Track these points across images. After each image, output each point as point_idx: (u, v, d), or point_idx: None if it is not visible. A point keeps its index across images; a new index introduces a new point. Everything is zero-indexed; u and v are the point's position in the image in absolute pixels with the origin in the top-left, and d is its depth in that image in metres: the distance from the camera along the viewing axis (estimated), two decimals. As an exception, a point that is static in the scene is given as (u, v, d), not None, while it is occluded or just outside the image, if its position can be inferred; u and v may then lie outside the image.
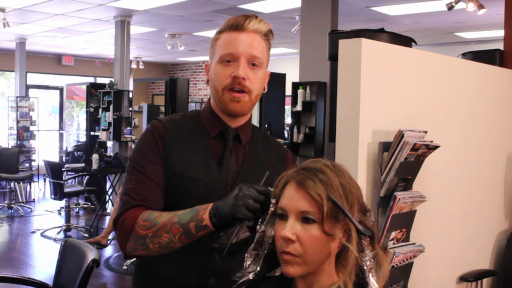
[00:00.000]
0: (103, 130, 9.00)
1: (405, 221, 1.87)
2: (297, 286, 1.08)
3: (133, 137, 8.50)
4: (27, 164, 10.25)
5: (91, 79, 12.55)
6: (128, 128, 8.66)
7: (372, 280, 1.02)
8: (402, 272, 1.87)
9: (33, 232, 6.77)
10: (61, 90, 13.07)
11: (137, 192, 1.33)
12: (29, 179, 9.06)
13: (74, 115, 12.06)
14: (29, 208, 8.30)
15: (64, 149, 11.12)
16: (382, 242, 1.79)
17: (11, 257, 5.60)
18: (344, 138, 1.81)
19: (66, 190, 6.53)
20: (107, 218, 7.30)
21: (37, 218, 7.69)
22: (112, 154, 7.72)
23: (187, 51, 11.64)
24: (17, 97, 10.93)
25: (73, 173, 7.96)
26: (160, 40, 10.53)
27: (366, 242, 1.02)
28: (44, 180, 9.51)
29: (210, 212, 1.19)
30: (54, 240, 6.36)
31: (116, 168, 6.88)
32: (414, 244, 1.90)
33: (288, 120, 8.78)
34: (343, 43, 1.82)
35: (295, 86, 6.07)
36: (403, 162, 1.77)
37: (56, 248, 5.44)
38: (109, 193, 7.18)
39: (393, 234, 1.82)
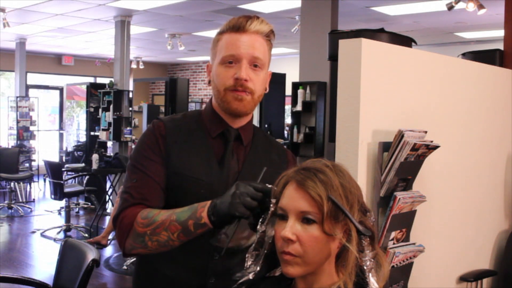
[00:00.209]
0: (103, 130, 9.00)
1: (405, 221, 1.87)
2: (297, 286, 1.08)
3: (133, 137, 8.51)
4: (27, 164, 10.25)
5: (91, 79, 12.55)
6: (128, 128, 8.66)
7: (372, 280, 1.02)
8: (402, 272, 1.87)
9: (33, 232, 6.77)
10: (61, 90, 13.07)
11: (137, 190, 1.33)
12: (29, 179, 9.07)
13: (74, 115, 12.06)
14: (29, 208, 8.30)
15: (64, 149, 11.12)
16: (382, 242, 1.79)
17: (11, 257, 5.60)
18: (344, 138, 1.81)
19: (66, 190, 6.53)
20: (107, 218, 7.31)
21: (37, 218, 7.69)
22: (112, 154, 7.72)
23: (187, 51, 11.64)
24: (17, 97, 10.93)
25: (73, 173, 7.96)
26: (160, 40, 10.53)
27: (366, 242, 1.02)
28: (44, 180, 9.51)
29: (208, 210, 1.19)
30: (54, 240, 6.36)
31: (116, 168, 6.88)
32: (414, 244, 1.90)
33: (288, 120, 8.78)
34: (343, 43, 1.82)
35: (295, 86, 6.07)
36: (403, 162, 1.77)
37: (56, 248, 5.44)
38: (109, 193, 7.18)
39: (393, 234, 1.82)
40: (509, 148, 2.77)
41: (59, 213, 7.85)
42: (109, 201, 7.39)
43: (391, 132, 1.80)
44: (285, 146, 1.60)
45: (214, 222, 1.19)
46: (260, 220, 1.12)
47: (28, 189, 9.34)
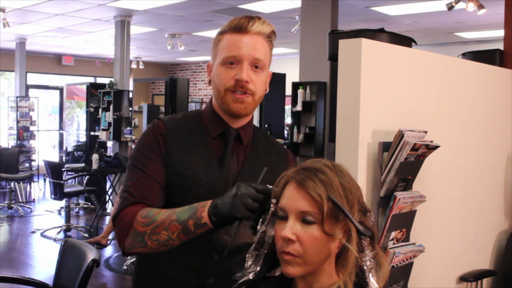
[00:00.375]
0: (103, 130, 9.00)
1: (405, 221, 1.87)
2: (297, 286, 1.08)
3: (133, 137, 8.51)
4: (27, 164, 10.25)
5: (91, 79, 12.55)
6: (128, 128, 8.66)
7: (372, 280, 1.02)
8: (402, 272, 1.87)
9: (33, 232, 6.77)
10: (61, 90, 13.08)
11: (137, 189, 1.34)
12: (29, 179, 9.07)
13: (74, 115, 12.06)
14: (29, 208, 8.30)
15: (64, 149, 11.12)
16: (382, 242, 1.79)
17: (11, 257, 5.60)
18: (344, 138, 1.81)
19: (66, 190, 6.53)
20: (107, 218, 7.31)
21: (37, 218, 7.69)
22: (112, 154, 7.72)
23: (187, 51, 11.64)
24: (17, 97, 10.93)
25: (73, 173, 7.96)
26: (160, 40, 10.53)
27: (366, 242, 1.02)
28: (44, 180, 9.51)
29: (209, 210, 1.19)
30: (54, 240, 6.36)
31: (116, 168, 6.88)
32: (414, 244, 1.90)
33: (288, 120, 8.78)
34: (343, 43, 1.82)
35: (295, 86, 6.07)
36: (403, 162, 1.77)
37: (56, 248, 5.44)
38: (109, 193, 7.18)
39: (393, 234, 1.82)
40: (509, 148, 2.77)
41: (59, 213, 7.85)
42: (109, 201, 7.39)
43: (391, 132, 1.80)
44: (285, 146, 1.59)
45: (214, 223, 1.19)
46: (260, 220, 1.12)
47: (28, 189, 9.34)
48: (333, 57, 3.15)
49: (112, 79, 9.09)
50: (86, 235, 6.56)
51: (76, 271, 2.21)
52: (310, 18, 6.08)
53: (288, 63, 10.04)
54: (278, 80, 7.26)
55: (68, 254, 2.40)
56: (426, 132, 1.86)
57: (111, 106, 8.71)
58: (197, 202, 1.25)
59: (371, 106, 1.82)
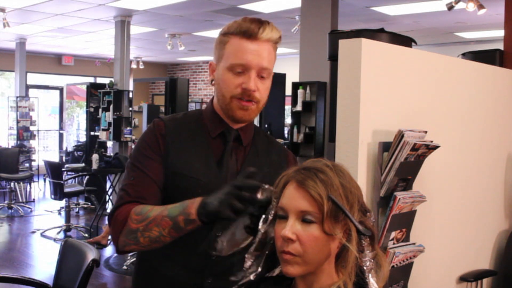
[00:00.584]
0: (103, 130, 9.00)
1: (405, 221, 1.88)
2: (297, 286, 1.08)
3: (133, 137, 8.51)
4: (27, 164, 10.24)
5: (91, 79, 12.55)
6: (128, 128, 8.66)
7: (372, 281, 1.02)
8: (402, 272, 1.87)
9: (33, 232, 6.77)
10: (61, 90, 13.08)
11: (134, 188, 1.34)
12: (29, 179, 9.06)
13: (74, 115, 12.06)
14: (29, 208, 8.30)
15: (64, 149, 11.12)
16: (382, 242, 1.79)
17: (11, 257, 5.60)
18: (344, 138, 1.81)
19: (66, 190, 6.53)
20: (107, 218, 7.30)
21: (37, 218, 7.69)
22: (112, 154, 7.71)
23: (187, 51, 11.64)
24: (17, 97, 10.93)
25: (73, 173, 7.96)
26: (160, 40, 10.53)
27: (366, 242, 1.02)
28: (44, 180, 9.50)
29: (198, 207, 1.19)
30: (54, 240, 6.36)
31: (116, 168, 6.88)
32: (414, 244, 1.90)
33: (288, 120, 8.77)
34: (343, 43, 1.82)
35: (295, 86, 6.07)
36: (403, 162, 1.77)
37: (56, 248, 5.44)
38: (109, 193, 7.18)
39: (393, 234, 1.82)
40: (509, 148, 2.76)
41: (59, 213, 7.85)
42: (109, 201, 7.39)
43: (391, 132, 1.80)
44: (286, 147, 1.59)
45: (203, 220, 1.19)
46: (261, 220, 1.12)
47: (28, 189, 9.34)
48: (333, 57, 3.15)
49: (112, 79, 9.09)
50: (86, 235, 6.56)
51: (76, 271, 2.21)
52: (310, 18, 6.08)
53: (288, 63, 10.04)
54: (278, 80, 7.24)
55: (68, 254, 2.40)
56: (426, 132, 1.86)
57: (111, 106, 8.71)
58: None
59: (371, 106, 1.82)
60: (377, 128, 1.84)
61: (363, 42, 1.76)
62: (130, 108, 8.81)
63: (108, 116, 8.81)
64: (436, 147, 1.84)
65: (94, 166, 6.84)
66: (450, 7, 5.78)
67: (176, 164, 1.36)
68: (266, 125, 7.30)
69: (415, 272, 1.94)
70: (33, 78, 12.82)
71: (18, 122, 10.73)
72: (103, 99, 9.00)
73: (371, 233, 1.03)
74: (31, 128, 10.94)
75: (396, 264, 1.80)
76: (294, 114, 6.15)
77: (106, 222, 7.14)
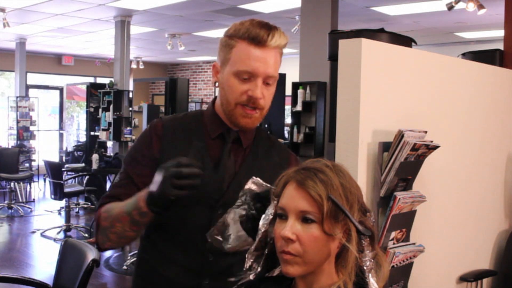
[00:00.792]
0: (103, 130, 9.00)
1: (405, 221, 1.88)
2: (297, 286, 1.08)
3: (133, 137, 8.51)
4: (27, 164, 10.25)
5: (91, 79, 12.55)
6: (128, 128, 8.66)
7: (372, 281, 1.02)
8: (402, 272, 1.87)
9: (33, 232, 6.77)
10: (61, 90, 13.08)
11: (116, 190, 1.38)
12: (29, 179, 9.07)
13: (74, 115, 12.06)
14: (29, 208, 8.30)
15: (64, 149, 11.12)
16: (382, 242, 1.79)
17: (11, 257, 5.60)
18: (344, 138, 1.81)
19: (66, 190, 6.53)
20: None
21: (37, 218, 7.69)
22: (112, 154, 7.72)
23: (187, 51, 11.64)
24: (17, 97, 10.93)
25: (73, 173, 7.96)
26: (160, 40, 10.53)
27: (366, 242, 1.02)
28: (44, 180, 9.51)
29: (146, 200, 1.22)
30: (54, 240, 6.36)
31: (116, 168, 6.88)
32: (414, 244, 1.90)
33: (288, 120, 8.77)
34: (343, 43, 1.82)
35: (295, 86, 6.07)
36: (403, 162, 1.77)
37: (56, 248, 5.44)
38: (109, 193, 7.17)
39: (393, 234, 1.82)
40: (509, 148, 2.77)
41: (59, 213, 7.85)
42: (109, 201, 7.38)
43: (391, 132, 1.80)
44: (289, 149, 1.58)
45: (154, 210, 1.21)
46: (261, 220, 1.12)
47: (28, 189, 9.34)
48: (333, 57, 3.15)
49: (112, 79, 9.09)
50: (86, 235, 6.56)
51: (76, 271, 2.21)
52: (310, 18, 6.08)
53: (288, 63, 10.03)
54: (278, 80, 7.24)
55: (68, 254, 2.41)
56: (426, 132, 1.86)
57: (111, 106, 8.71)
58: (190, 202, 1.28)
59: (371, 106, 1.82)
60: (377, 128, 1.84)
61: (363, 42, 1.76)
62: (130, 108, 8.81)
63: (108, 116, 8.82)
64: (436, 147, 1.84)
65: (94, 166, 6.85)
66: (450, 7, 5.78)
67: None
68: (266, 125, 7.30)
69: (415, 272, 1.94)
70: (33, 78, 12.83)
71: (18, 122, 10.73)
72: (103, 99, 9.01)
73: (371, 233, 1.03)
74: (31, 128, 10.95)
75: (396, 264, 1.80)
76: (294, 114, 6.15)
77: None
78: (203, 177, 1.34)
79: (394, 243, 1.84)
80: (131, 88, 9.42)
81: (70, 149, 10.38)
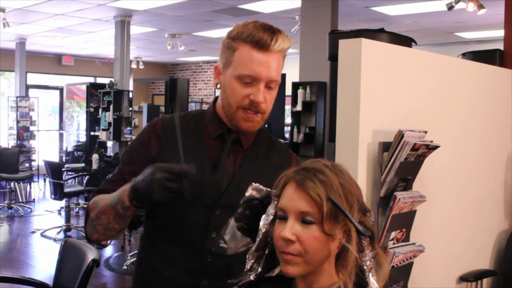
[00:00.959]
0: (103, 130, 9.00)
1: (405, 221, 1.88)
2: (297, 286, 1.08)
3: (133, 137, 8.50)
4: (27, 164, 10.25)
5: (91, 79, 12.55)
6: (128, 128, 8.67)
7: (372, 280, 1.02)
8: (402, 272, 1.87)
9: (33, 232, 6.77)
10: (61, 90, 13.08)
11: (108, 186, 1.40)
12: (29, 179, 9.07)
13: (74, 115, 12.06)
14: (29, 208, 8.30)
15: (64, 149, 11.12)
16: (382, 242, 1.79)
17: (11, 257, 5.60)
18: (344, 138, 1.81)
19: (66, 190, 6.53)
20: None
21: (37, 218, 7.69)
22: (112, 154, 7.72)
23: (187, 51, 11.64)
24: (17, 97, 10.93)
25: (73, 173, 7.96)
26: (160, 40, 10.53)
27: (366, 242, 1.02)
28: (44, 180, 9.51)
29: (129, 195, 1.23)
30: (54, 240, 6.36)
31: (116, 168, 6.87)
32: (414, 244, 1.90)
33: (288, 120, 8.77)
34: (343, 43, 1.82)
35: (295, 86, 6.07)
36: (403, 162, 1.77)
37: (56, 248, 5.44)
38: (109, 193, 7.17)
39: (393, 234, 1.82)
40: (509, 148, 2.77)
41: (59, 213, 7.85)
42: (109, 201, 7.39)
43: (391, 132, 1.80)
44: (290, 150, 1.58)
45: (136, 206, 1.23)
46: (262, 220, 1.12)
47: (28, 189, 9.34)
48: (333, 57, 3.15)
49: (112, 79, 9.09)
50: (86, 235, 6.55)
51: (76, 271, 2.21)
52: (310, 18, 6.08)
53: (288, 63, 10.00)
54: (278, 80, 7.23)
55: (68, 254, 2.41)
56: (426, 132, 1.86)
57: (111, 106, 8.71)
58: (186, 202, 1.27)
59: (371, 106, 1.82)
60: (377, 128, 1.84)
61: (363, 42, 1.76)
62: (130, 108, 8.81)
63: (108, 116, 8.82)
64: (436, 147, 1.84)
65: (94, 166, 6.85)
66: (450, 7, 5.78)
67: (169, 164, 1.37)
68: (266, 125, 7.30)
69: (415, 272, 1.94)
70: (33, 78, 12.83)
71: (18, 122, 10.73)
72: (103, 99, 9.01)
73: (371, 233, 1.03)
74: (31, 128, 10.95)
75: (396, 264, 1.80)
76: (294, 114, 6.15)
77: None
78: (201, 178, 1.35)
79: (394, 243, 1.84)
80: (131, 88, 9.42)
81: (70, 149, 10.39)
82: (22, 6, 7.74)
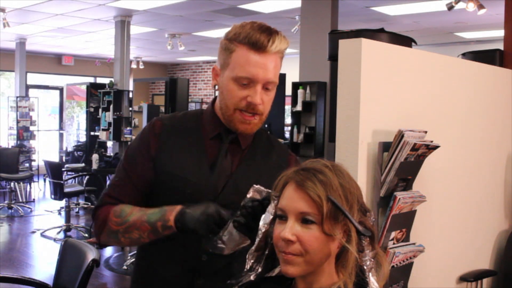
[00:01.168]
0: (103, 130, 9.00)
1: (405, 221, 1.88)
2: (297, 286, 1.08)
3: (133, 137, 8.48)
4: (27, 164, 10.24)
5: (91, 79, 12.55)
6: (128, 128, 8.66)
7: (372, 280, 1.02)
8: (402, 272, 1.87)
9: (33, 232, 6.77)
10: (61, 90, 13.08)
11: (116, 190, 1.39)
12: (29, 179, 9.06)
13: (74, 115, 12.06)
14: (29, 208, 8.30)
15: (64, 149, 11.12)
16: (382, 242, 1.79)
17: (11, 257, 5.60)
18: (344, 138, 1.81)
19: (66, 190, 6.53)
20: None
21: (37, 218, 7.69)
22: (112, 154, 7.72)
23: (187, 51, 11.64)
24: (17, 97, 10.93)
25: (73, 173, 7.96)
26: (160, 40, 10.53)
27: (366, 242, 1.02)
28: (44, 180, 9.51)
29: (176, 215, 1.24)
30: (54, 240, 6.36)
31: (116, 168, 6.87)
32: (414, 244, 1.90)
33: (288, 120, 8.77)
34: (343, 43, 1.82)
35: (295, 86, 6.07)
36: (403, 162, 1.77)
37: (56, 248, 5.44)
38: (109, 193, 7.16)
39: (393, 234, 1.82)
40: (509, 148, 2.77)
41: (59, 213, 7.85)
42: (109, 201, 7.38)
43: (391, 132, 1.80)
44: (289, 150, 1.57)
45: (178, 228, 1.24)
46: (261, 220, 1.12)
47: (28, 189, 9.34)
48: (333, 57, 3.15)
49: (112, 79, 9.09)
50: (86, 235, 6.56)
51: (76, 271, 2.21)
52: (310, 18, 6.08)
53: (288, 63, 10.03)
54: (278, 80, 7.24)
55: (68, 254, 2.41)
56: (426, 132, 1.86)
57: (111, 106, 8.71)
58: (184, 201, 1.28)
59: (371, 106, 1.82)
60: (377, 128, 1.84)
61: (363, 42, 1.76)
62: (130, 108, 8.81)
63: (108, 116, 8.82)
64: (436, 147, 1.84)
65: (94, 166, 6.84)
66: (450, 7, 5.78)
67: (167, 163, 1.37)
68: (266, 125, 7.31)
69: (415, 272, 1.94)
70: (33, 78, 12.82)
71: (18, 122, 10.73)
72: (103, 99, 9.01)
73: (371, 233, 1.03)
74: (31, 128, 10.95)
75: (396, 264, 1.80)
76: (294, 114, 6.15)
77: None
78: (199, 177, 1.35)
79: (394, 243, 1.84)
80: (131, 88, 9.42)
81: (70, 149, 10.38)
82: (22, 6, 7.74)
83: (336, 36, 3.16)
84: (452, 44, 9.91)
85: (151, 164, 1.37)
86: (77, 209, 8.12)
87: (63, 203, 7.10)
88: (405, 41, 2.91)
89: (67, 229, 6.69)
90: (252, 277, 1.10)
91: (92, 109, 9.35)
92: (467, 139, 2.42)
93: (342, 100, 1.82)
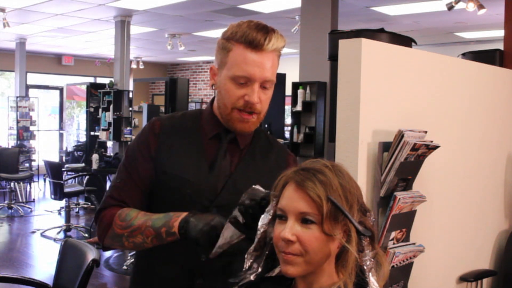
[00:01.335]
0: (103, 130, 9.00)
1: (405, 221, 1.88)
2: (297, 286, 1.08)
3: (133, 137, 8.49)
4: (27, 164, 10.24)
5: (91, 79, 12.55)
6: (128, 128, 8.66)
7: (372, 280, 1.02)
8: (402, 272, 1.87)
9: (33, 232, 6.77)
10: (61, 90, 13.08)
11: (119, 192, 1.38)
12: (29, 179, 9.06)
13: (74, 115, 12.06)
14: (29, 208, 8.30)
15: (64, 149, 11.12)
16: (382, 242, 1.79)
17: (11, 257, 5.60)
18: (344, 138, 1.81)
19: (66, 190, 6.53)
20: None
21: (37, 218, 7.69)
22: (112, 154, 7.72)
23: (187, 51, 11.64)
24: (17, 97, 10.93)
25: (73, 173, 7.96)
26: (160, 40, 10.53)
27: (366, 242, 1.02)
28: (44, 180, 9.51)
29: (180, 222, 1.24)
30: (54, 240, 6.36)
31: (116, 168, 6.86)
32: (414, 244, 1.90)
33: (288, 120, 8.77)
34: (343, 43, 1.82)
35: (295, 86, 6.07)
36: (403, 162, 1.77)
37: (56, 248, 5.44)
38: (109, 193, 7.16)
39: (393, 234, 1.82)
40: (509, 148, 2.77)
41: (59, 213, 7.85)
42: (109, 201, 7.37)
43: (391, 132, 1.80)
44: (288, 150, 1.57)
45: (182, 235, 1.24)
46: (261, 221, 1.12)
47: (28, 189, 9.33)
48: (333, 57, 3.15)
49: (112, 79, 9.09)
50: (86, 235, 6.56)
51: (76, 271, 2.21)
52: (310, 18, 6.08)
53: (288, 63, 10.03)
54: (278, 80, 7.21)
55: (68, 254, 2.41)
56: (426, 132, 1.86)
57: (111, 106, 8.71)
58: (184, 201, 1.29)
59: (371, 106, 1.82)
60: (377, 128, 1.84)
61: (363, 42, 1.76)
62: (130, 108, 8.81)
63: (108, 116, 8.82)
64: (436, 147, 1.84)
65: (94, 166, 6.84)
66: (450, 7, 5.78)
67: (167, 163, 1.37)
68: (266, 125, 7.30)
69: (415, 272, 1.94)
70: (33, 78, 12.82)
71: (18, 122, 10.73)
72: (103, 99, 9.01)
73: (370, 233, 1.03)
74: (31, 128, 10.95)
75: (396, 264, 1.80)
76: (294, 114, 6.15)
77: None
78: (198, 177, 1.35)
79: (394, 243, 1.84)
80: (131, 88, 9.42)
81: (70, 149, 10.38)
82: (22, 6, 7.74)
83: (336, 36, 3.16)
84: (452, 44, 9.91)
85: (151, 163, 1.37)
86: (77, 209, 8.12)
87: (63, 203, 7.10)
88: (405, 41, 2.91)
89: (67, 229, 6.69)
90: (252, 277, 1.10)
91: (92, 109, 9.35)
92: (467, 139, 2.42)
93: (342, 100, 1.82)
